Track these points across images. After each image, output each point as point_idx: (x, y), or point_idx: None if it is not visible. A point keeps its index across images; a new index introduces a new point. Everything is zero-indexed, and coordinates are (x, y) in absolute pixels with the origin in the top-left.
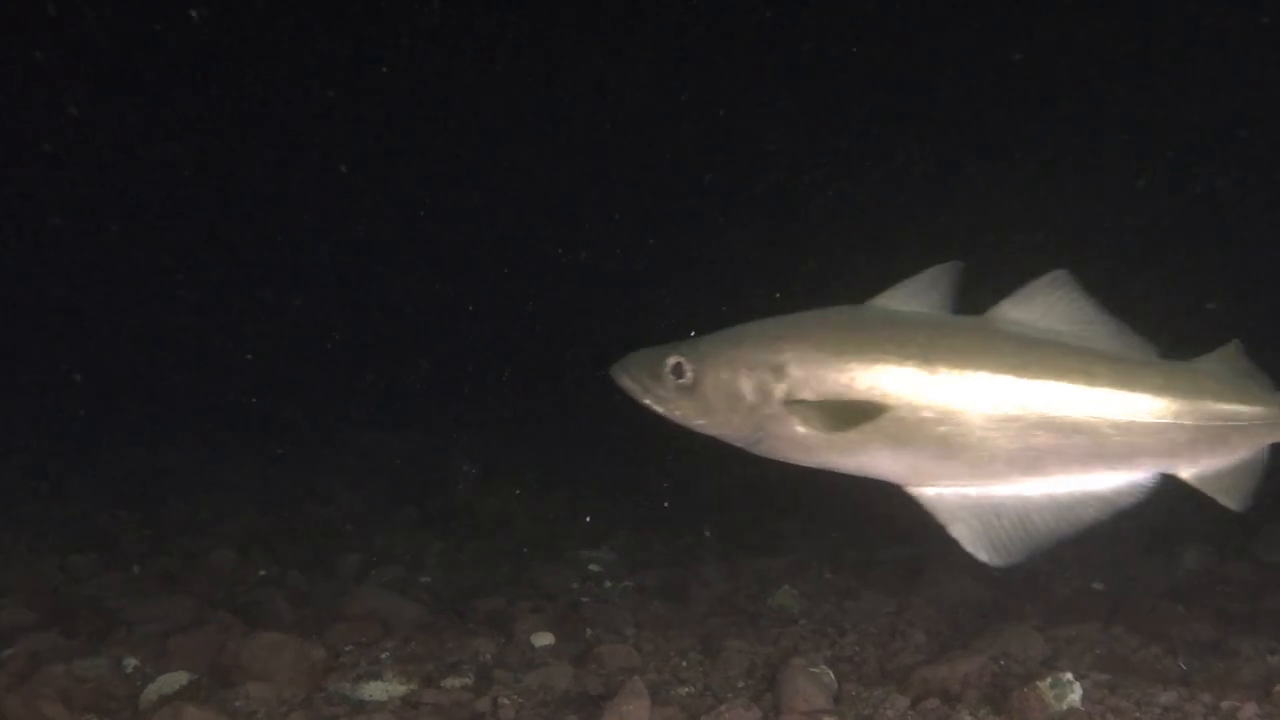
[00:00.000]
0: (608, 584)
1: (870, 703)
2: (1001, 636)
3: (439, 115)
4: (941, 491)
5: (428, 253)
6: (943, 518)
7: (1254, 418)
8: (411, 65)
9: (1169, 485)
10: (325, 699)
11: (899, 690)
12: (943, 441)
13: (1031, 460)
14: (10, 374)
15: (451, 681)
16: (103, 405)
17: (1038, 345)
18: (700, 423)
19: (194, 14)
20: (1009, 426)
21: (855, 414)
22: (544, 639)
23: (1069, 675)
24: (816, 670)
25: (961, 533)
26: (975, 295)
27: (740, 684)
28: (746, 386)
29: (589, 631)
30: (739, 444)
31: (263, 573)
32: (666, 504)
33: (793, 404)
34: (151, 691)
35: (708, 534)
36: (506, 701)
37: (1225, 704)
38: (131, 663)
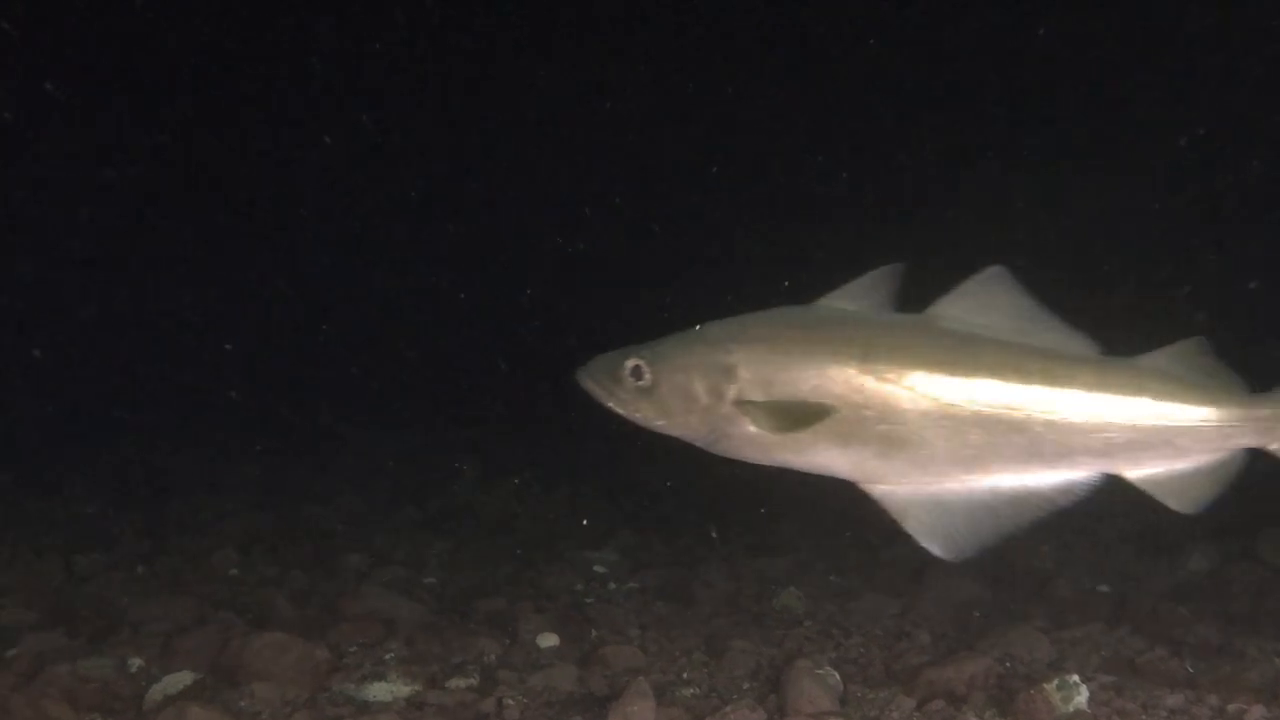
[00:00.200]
0: (612, 585)
1: (876, 704)
2: (1006, 638)
3: (439, 115)
4: (893, 488)
5: (428, 252)
6: (895, 513)
7: (1204, 419)
8: (411, 62)
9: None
10: (330, 699)
11: (904, 692)
12: (884, 440)
13: (970, 458)
14: (10, 374)
15: (456, 682)
16: (103, 405)
17: (973, 343)
18: (660, 424)
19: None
20: (944, 425)
21: (802, 415)
22: (549, 640)
23: (1075, 677)
24: (822, 671)
25: (914, 527)
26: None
27: (745, 685)
28: (700, 388)
29: (594, 632)
30: (699, 444)
31: (264, 573)
32: (667, 504)
33: (743, 405)
34: (156, 691)
35: (714, 535)
36: (511, 702)
37: (1232, 706)
38: (136, 663)
